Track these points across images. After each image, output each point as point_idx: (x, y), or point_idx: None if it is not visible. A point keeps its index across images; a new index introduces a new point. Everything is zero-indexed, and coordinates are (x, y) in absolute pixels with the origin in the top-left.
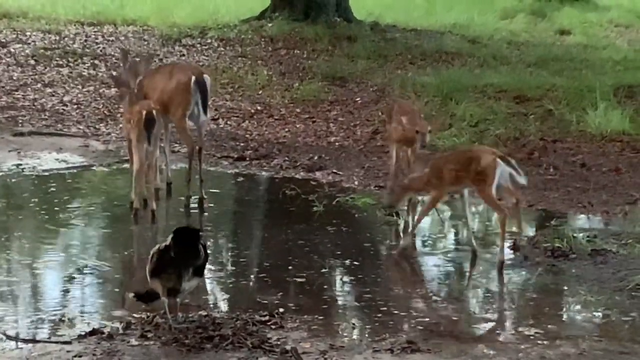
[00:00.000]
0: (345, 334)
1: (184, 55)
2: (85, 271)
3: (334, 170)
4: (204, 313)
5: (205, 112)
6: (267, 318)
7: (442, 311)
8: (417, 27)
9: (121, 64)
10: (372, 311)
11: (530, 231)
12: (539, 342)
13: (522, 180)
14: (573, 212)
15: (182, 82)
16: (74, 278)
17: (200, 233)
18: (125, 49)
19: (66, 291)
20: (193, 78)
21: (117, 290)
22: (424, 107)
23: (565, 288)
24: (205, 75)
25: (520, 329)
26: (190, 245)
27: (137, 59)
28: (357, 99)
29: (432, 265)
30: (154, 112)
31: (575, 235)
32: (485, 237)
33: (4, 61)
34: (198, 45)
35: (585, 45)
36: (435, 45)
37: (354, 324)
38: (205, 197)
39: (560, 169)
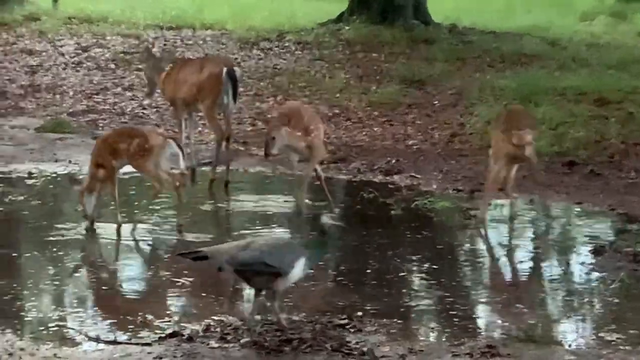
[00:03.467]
0: (424, 338)
1: (261, 58)
2: (163, 272)
3: (412, 174)
4: (283, 316)
5: (234, 102)
6: (345, 321)
7: (521, 315)
8: (495, 30)
9: (145, 61)
10: (450, 315)
11: (607, 235)
12: (621, 347)
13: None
14: None
15: (214, 74)
16: (153, 279)
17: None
18: (149, 47)
19: (145, 293)
20: (225, 69)
21: (195, 292)
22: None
23: None
24: (235, 67)
25: (601, 334)
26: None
27: (159, 56)
28: (435, 102)
29: (511, 269)
30: None
31: None
32: (565, 242)
33: (84, 65)
34: (275, 49)
35: None
36: (514, 47)
37: (432, 327)
38: (230, 180)
39: None
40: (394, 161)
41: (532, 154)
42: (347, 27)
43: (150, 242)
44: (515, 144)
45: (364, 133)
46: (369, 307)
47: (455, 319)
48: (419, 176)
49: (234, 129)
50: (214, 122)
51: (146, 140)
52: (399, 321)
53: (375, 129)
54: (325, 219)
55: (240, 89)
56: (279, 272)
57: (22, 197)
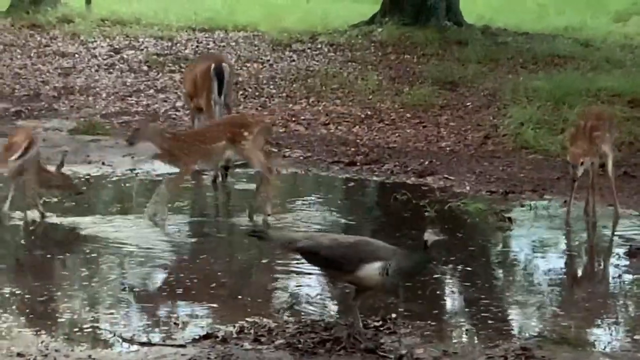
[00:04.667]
0: (458, 340)
1: (294, 60)
2: (197, 274)
3: (445, 175)
4: (317, 317)
5: (219, 96)
6: (380, 323)
7: (556, 317)
8: (528, 31)
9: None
10: (485, 317)
11: None
12: None
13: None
14: None
15: (203, 70)
16: (186, 281)
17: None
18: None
19: (179, 294)
20: (212, 65)
21: (229, 294)
22: (536, 112)
23: None
24: (223, 64)
25: (636, 336)
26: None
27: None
28: (468, 104)
29: (546, 271)
30: None
31: None
32: (599, 244)
33: (117, 67)
34: (308, 50)
35: None
36: (547, 48)
37: (466, 329)
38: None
39: None
40: (427, 163)
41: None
42: (379, 29)
43: (183, 244)
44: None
45: (396, 135)
46: (402, 309)
47: (489, 321)
48: (452, 178)
49: None
50: (209, 113)
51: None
52: (433, 323)
53: (408, 130)
54: (429, 234)
55: (273, 91)
56: (340, 268)
57: (55, 199)
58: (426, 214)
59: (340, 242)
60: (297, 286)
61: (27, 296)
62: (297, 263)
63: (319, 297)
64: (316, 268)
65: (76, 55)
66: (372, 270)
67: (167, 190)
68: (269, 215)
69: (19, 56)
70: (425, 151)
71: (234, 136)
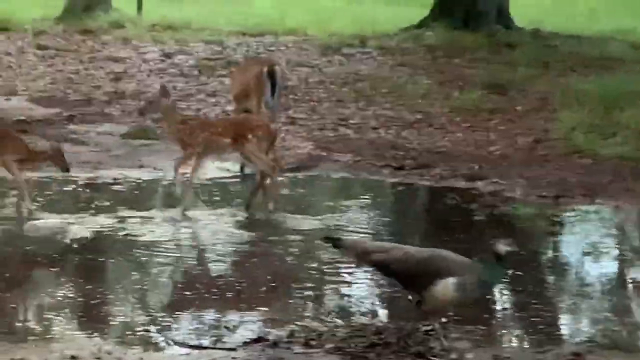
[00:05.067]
0: (508, 345)
1: (343, 64)
2: (247, 277)
3: (495, 180)
4: (367, 321)
5: (272, 99)
6: (430, 327)
7: (608, 322)
8: (579, 34)
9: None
10: (535, 322)
11: None
12: None
13: None
14: None
15: (256, 73)
16: (237, 284)
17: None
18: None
19: (230, 298)
20: (265, 69)
21: (279, 297)
22: (587, 116)
23: None
24: (276, 67)
25: None
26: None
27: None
28: (518, 108)
29: (597, 275)
30: None
31: None
32: None
33: (168, 72)
34: (357, 55)
35: None
36: (598, 51)
37: (517, 334)
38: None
39: None
40: (476, 167)
41: None
42: (429, 33)
43: (233, 247)
44: None
45: (446, 139)
46: (453, 314)
47: (540, 326)
48: (502, 182)
49: (316, 135)
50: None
51: None
52: (483, 328)
53: (458, 134)
54: (501, 246)
55: (323, 95)
56: (414, 283)
57: (107, 203)
58: (475, 218)
59: (415, 257)
60: (347, 290)
61: (80, 299)
62: (347, 266)
63: (369, 300)
64: (367, 272)
65: (127, 60)
66: (447, 286)
67: (178, 178)
68: (270, 212)
69: (71, 61)
70: (475, 155)
71: (237, 136)
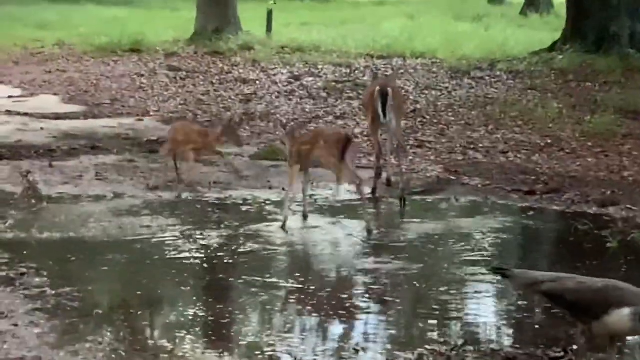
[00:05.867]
0: None
1: (472, 87)
2: (372, 299)
3: (628, 206)
4: (496, 347)
5: (384, 117)
6: (561, 354)
7: None
8: None
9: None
10: None
11: None
12: None
13: None
14: None
15: (370, 92)
16: (362, 305)
17: None
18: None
19: (358, 319)
20: (377, 88)
21: (406, 319)
22: None
23: None
24: (388, 87)
25: None
26: None
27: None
28: None
29: None
30: None
31: None
32: None
33: (297, 94)
34: (487, 78)
35: None
36: None
37: None
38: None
39: None
40: (609, 193)
41: None
42: (560, 56)
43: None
44: None
45: (577, 164)
46: (585, 341)
47: None
48: (635, 208)
49: (445, 158)
50: (373, 138)
51: None
52: (616, 355)
53: (589, 159)
54: None
55: (452, 118)
56: (587, 313)
57: (237, 224)
58: (608, 245)
59: (588, 286)
60: (475, 314)
61: (210, 318)
62: (475, 291)
63: (498, 325)
64: (496, 297)
65: (257, 82)
66: (621, 316)
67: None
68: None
69: (201, 82)
70: (607, 181)
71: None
